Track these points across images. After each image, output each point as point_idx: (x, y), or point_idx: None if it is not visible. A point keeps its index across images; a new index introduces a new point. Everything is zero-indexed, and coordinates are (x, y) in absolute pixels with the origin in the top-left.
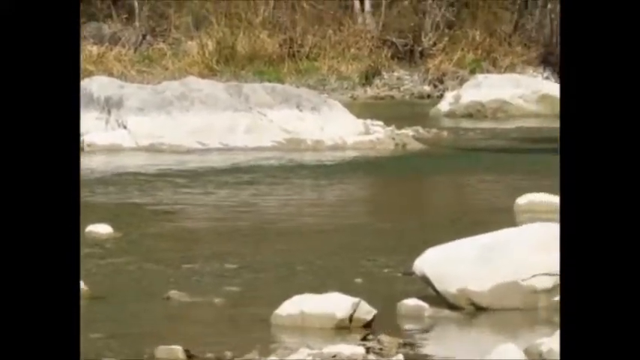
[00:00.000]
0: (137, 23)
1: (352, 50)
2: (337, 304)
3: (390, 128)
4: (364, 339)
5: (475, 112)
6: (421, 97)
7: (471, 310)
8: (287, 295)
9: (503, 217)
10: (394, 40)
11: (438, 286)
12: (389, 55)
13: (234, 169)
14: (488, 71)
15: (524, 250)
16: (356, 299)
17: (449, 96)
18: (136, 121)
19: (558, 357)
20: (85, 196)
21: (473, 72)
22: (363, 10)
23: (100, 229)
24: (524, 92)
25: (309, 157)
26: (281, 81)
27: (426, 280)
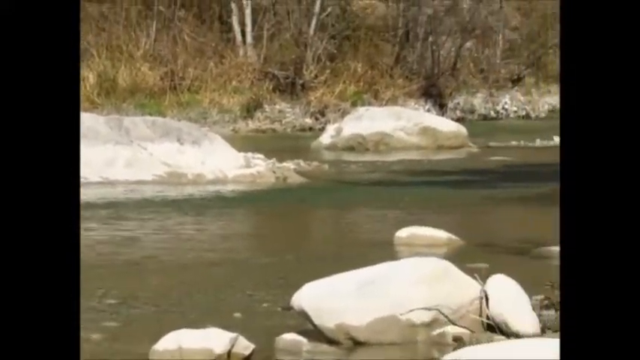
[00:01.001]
0: None
1: (234, 83)
2: (215, 339)
3: (271, 161)
4: None
5: (356, 144)
6: (303, 129)
7: (349, 345)
8: (166, 330)
9: (383, 250)
10: (276, 72)
11: (316, 321)
12: (270, 87)
13: (114, 204)
14: (369, 104)
15: (403, 285)
16: (234, 334)
17: (330, 129)
18: None
19: None
20: None
21: (354, 104)
22: (244, 42)
23: None
24: (405, 125)
25: (189, 191)
26: (162, 114)
27: (304, 315)
